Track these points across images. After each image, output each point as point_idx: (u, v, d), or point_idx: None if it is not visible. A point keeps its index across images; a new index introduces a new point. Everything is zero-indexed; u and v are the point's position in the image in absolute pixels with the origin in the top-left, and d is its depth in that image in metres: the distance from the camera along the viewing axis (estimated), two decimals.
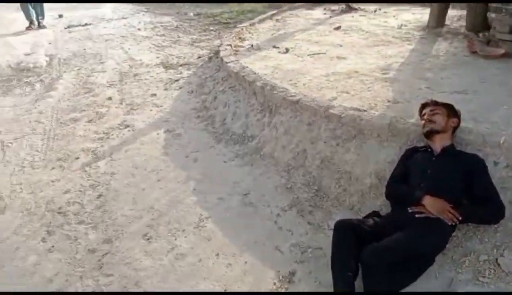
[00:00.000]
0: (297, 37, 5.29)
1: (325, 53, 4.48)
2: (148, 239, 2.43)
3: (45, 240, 2.45)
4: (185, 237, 2.43)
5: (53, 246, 2.40)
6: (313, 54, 4.51)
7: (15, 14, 8.26)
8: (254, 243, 2.36)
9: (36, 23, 7.55)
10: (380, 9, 6.49)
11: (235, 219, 2.56)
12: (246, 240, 2.38)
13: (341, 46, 4.72)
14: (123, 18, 8.30)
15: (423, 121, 2.39)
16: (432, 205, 2.05)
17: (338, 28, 5.49)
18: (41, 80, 5.21)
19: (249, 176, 2.96)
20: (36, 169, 3.23)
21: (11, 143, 3.65)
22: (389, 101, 3.14)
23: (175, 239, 2.41)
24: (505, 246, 2.08)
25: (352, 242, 1.99)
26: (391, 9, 6.48)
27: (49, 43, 6.67)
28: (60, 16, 8.77)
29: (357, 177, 2.66)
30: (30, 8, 7.45)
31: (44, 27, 7.58)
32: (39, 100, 4.57)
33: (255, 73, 3.79)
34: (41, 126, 3.93)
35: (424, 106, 2.49)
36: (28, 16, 7.42)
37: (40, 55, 6.08)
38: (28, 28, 7.39)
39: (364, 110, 2.87)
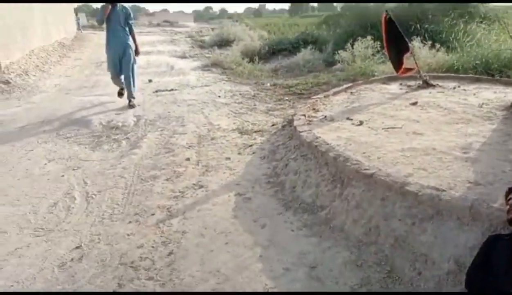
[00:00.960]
0: (372, 110, 5.30)
1: (400, 128, 4.42)
2: None
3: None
4: None
5: None
6: (388, 128, 4.47)
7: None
8: None
9: (126, 94, 7.28)
10: (459, 86, 6.35)
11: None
12: None
13: (418, 122, 4.64)
14: (205, 85, 8.94)
15: (508, 207, 2.23)
16: None
17: (414, 103, 5.44)
18: (127, 138, 5.66)
19: (317, 248, 2.90)
20: (114, 221, 3.43)
21: (95, 195, 3.94)
22: (469, 182, 2.98)
23: None
24: None
25: None
26: (471, 87, 6.31)
27: (138, 105, 7.30)
28: (150, 81, 9.65)
29: (434, 261, 2.50)
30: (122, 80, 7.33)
31: (133, 106, 7.16)
32: (124, 156, 4.94)
33: (327, 144, 3.83)
34: (123, 181, 4.22)
35: (510, 190, 2.34)
36: (119, 84, 7.35)
37: (129, 116, 6.66)
38: (120, 94, 7.35)
39: (443, 190, 2.75)
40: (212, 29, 31.60)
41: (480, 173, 3.13)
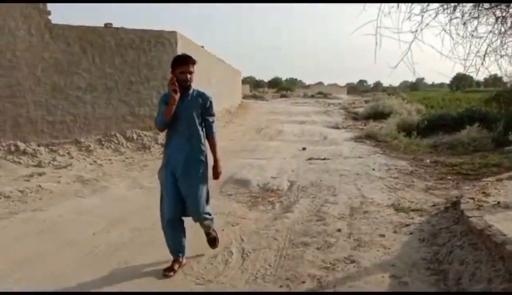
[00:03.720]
0: None
1: None
2: None
3: None
4: None
5: None
6: None
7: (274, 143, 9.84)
8: None
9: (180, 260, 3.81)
10: None
11: None
12: None
13: None
14: (359, 157, 8.91)
15: None
16: None
17: None
18: (281, 201, 5.91)
19: None
20: (267, 282, 3.53)
21: (250, 252, 4.15)
22: None
23: None
24: None
25: None
26: None
27: (292, 171, 7.62)
28: (304, 149, 10.07)
29: None
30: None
31: (215, 242, 4.14)
32: (277, 219, 5.14)
33: (504, 235, 3.37)
34: (276, 244, 4.36)
35: None
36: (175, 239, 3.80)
37: (284, 180, 6.99)
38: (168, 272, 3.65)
39: None
40: (366, 101, 31.79)
41: None
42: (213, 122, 3.84)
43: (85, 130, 9.39)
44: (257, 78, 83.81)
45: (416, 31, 3.71)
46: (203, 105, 3.74)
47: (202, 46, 13.98)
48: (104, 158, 8.63)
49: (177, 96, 3.49)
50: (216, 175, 3.89)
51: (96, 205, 5.72)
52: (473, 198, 4.62)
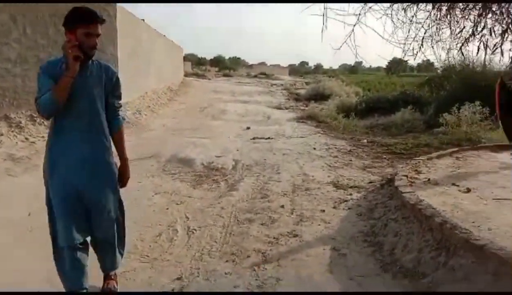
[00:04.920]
0: (480, 178, 5.00)
1: None
2: None
3: None
4: None
5: None
6: (499, 199, 4.16)
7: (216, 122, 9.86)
8: None
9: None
10: None
11: None
12: None
13: None
14: (301, 137, 9.15)
15: None
16: None
17: None
18: (225, 180, 5.94)
19: None
20: (212, 258, 3.57)
21: (195, 230, 4.16)
22: None
23: None
24: None
25: None
26: None
27: (236, 150, 7.67)
28: (248, 128, 10.13)
29: None
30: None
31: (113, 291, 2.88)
32: (222, 197, 5.17)
33: (433, 208, 3.66)
34: (221, 221, 4.40)
35: None
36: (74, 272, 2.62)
37: (228, 159, 7.01)
38: None
39: None
40: (307, 83, 32.50)
41: None
42: (120, 107, 2.82)
43: (15, 105, 8.72)
44: (199, 55, 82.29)
45: (360, 14, 3.82)
46: (109, 83, 2.67)
47: (143, 20, 13.45)
48: (37, 135, 8.12)
49: (78, 67, 2.40)
50: (124, 182, 2.85)
51: (29, 184, 5.41)
52: (406, 175, 4.94)
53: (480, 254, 2.92)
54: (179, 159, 6.96)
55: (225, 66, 66.92)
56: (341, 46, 3.98)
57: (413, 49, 4.00)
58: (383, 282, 3.18)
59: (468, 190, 4.43)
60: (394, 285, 3.11)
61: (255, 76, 46.88)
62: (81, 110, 2.53)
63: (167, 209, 4.72)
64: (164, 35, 18.64)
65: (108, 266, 2.89)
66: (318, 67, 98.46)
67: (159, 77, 16.38)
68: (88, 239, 2.72)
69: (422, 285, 3.06)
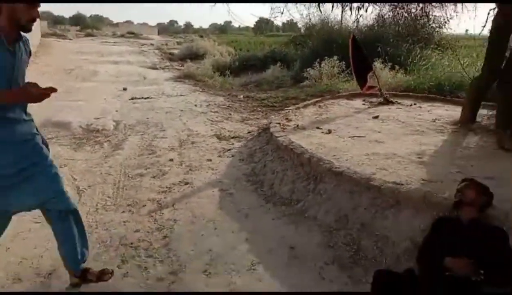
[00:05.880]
0: (338, 121, 5.87)
1: (364, 137, 4.99)
2: (207, 274, 2.80)
3: (120, 267, 2.86)
4: (240, 276, 2.79)
5: (127, 272, 2.80)
6: (353, 136, 5.02)
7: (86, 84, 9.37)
8: (299, 288, 2.68)
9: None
10: (415, 104, 7.08)
11: (283, 267, 2.91)
12: (293, 285, 2.71)
13: (379, 132, 5.23)
14: (181, 95, 9.31)
15: (456, 192, 2.76)
16: (454, 264, 2.34)
17: (376, 117, 6.05)
18: (108, 141, 5.91)
19: (294, 233, 3.33)
20: (108, 211, 3.72)
21: (85, 189, 4.21)
22: (423, 180, 3.54)
23: (231, 277, 2.77)
24: None
25: (390, 287, 2.30)
26: (426, 104, 7.06)
27: (116, 111, 7.55)
28: (125, 89, 9.89)
29: (394, 241, 2.99)
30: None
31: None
32: (108, 157, 5.20)
33: (302, 147, 4.31)
34: (111, 178, 4.50)
35: (463, 181, 2.86)
36: None
37: (108, 120, 6.90)
38: None
39: (402, 184, 3.28)
40: (178, 43, 31.97)
41: (431, 173, 3.70)
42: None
43: None
44: (56, 14, 73.94)
45: None
46: (30, 53, 2.44)
47: None
48: None
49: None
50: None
51: None
52: (279, 123, 5.57)
53: (340, 179, 3.63)
54: (54, 123, 6.62)
55: (87, 25, 61.32)
56: (215, 4, 4.22)
57: (281, 10, 4.46)
58: (266, 210, 3.74)
59: (329, 131, 5.22)
60: (275, 212, 3.70)
61: (122, 36, 44.15)
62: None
63: None
64: None
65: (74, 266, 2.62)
66: (188, 27, 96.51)
67: None
68: None
69: (296, 209, 3.69)
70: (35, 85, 2.10)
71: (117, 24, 74.28)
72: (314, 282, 2.74)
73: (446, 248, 2.49)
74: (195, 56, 19.16)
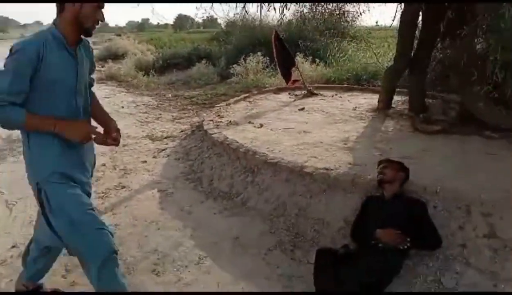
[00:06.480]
0: (268, 115, 6.11)
1: (293, 128, 5.26)
2: (156, 273, 2.85)
3: (65, 276, 2.81)
4: (189, 271, 2.87)
5: (73, 281, 2.76)
6: (283, 129, 5.28)
7: None
8: (247, 275, 2.84)
9: None
10: (336, 94, 7.55)
11: (229, 257, 3.04)
12: (240, 273, 2.86)
13: (306, 123, 5.53)
14: (106, 97, 8.98)
15: (377, 173, 3.09)
16: (383, 235, 2.65)
17: (302, 109, 6.38)
18: None
19: (237, 224, 3.48)
20: None
21: (15, 202, 4.00)
22: (350, 164, 3.86)
23: (180, 273, 2.85)
24: (445, 269, 2.69)
25: (330, 263, 2.54)
26: (346, 94, 7.57)
27: None
28: None
29: (329, 222, 3.26)
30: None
31: None
32: None
33: (237, 142, 4.46)
34: None
35: (380, 162, 3.21)
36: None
37: None
38: None
39: (332, 170, 3.56)
40: (94, 42, 30.55)
41: (356, 157, 4.05)
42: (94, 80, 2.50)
43: None
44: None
45: None
46: (92, 61, 2.29)
47: None
48: None
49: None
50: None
51: None
52: (212, 120, 5.67)
53: (275, 169, 3.83)
54: None
55: None
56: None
57: (202, 7, 4.54)
58: (207, 206, 3.84)
59: (261, 125, 5.43)
60: (217, 206, 3.81)
61: None
62: (81, 103, 2.15)
63: None
64: None
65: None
66: (104, 25, 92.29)
67: None
68: None
69: (237, 202, 3.84)
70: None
71: (25, 26, 69.13)
72: (260, 268, 2.91)
73: (375, 223, 2.79)
74: (115, 56, 18.49)
